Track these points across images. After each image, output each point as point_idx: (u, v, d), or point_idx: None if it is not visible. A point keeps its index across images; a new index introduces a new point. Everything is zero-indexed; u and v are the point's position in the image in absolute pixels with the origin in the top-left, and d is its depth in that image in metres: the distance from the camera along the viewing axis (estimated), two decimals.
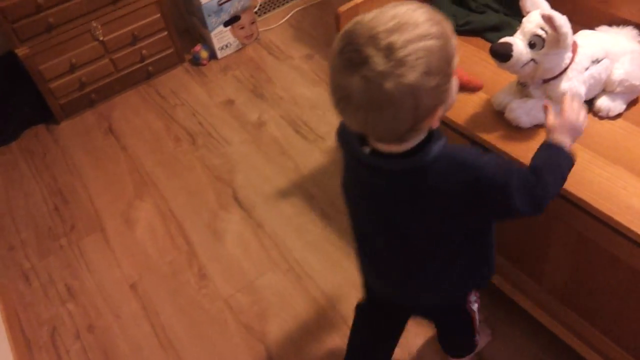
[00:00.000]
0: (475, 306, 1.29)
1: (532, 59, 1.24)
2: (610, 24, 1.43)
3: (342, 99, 0.81)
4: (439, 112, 0.85)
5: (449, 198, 0.91)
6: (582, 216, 1.19)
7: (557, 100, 1.29)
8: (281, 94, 2.50)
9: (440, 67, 0.79)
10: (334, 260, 1.84)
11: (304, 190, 2.09)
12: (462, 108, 1.35)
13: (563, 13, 1.54)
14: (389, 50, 0.76)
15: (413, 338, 1.60)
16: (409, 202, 0.95)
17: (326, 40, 2.70)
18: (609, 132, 1.30)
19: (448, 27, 0.82)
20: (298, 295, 1.77)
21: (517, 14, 1.61)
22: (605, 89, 1.33)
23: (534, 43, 1.23)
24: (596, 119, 1.34)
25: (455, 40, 0.83)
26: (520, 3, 1.30)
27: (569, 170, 1.06)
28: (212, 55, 2.75)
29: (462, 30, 1.64)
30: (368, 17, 0.80)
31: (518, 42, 1.24)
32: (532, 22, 1.24)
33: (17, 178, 2.35)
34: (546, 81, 1.30)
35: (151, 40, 2.60)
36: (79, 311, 1.84)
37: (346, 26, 0.82)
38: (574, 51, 1.27)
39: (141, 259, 1.96)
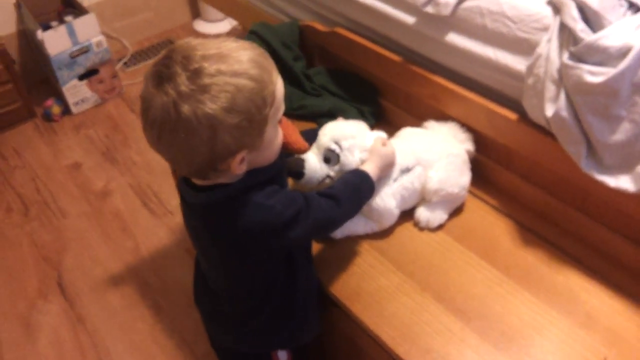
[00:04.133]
0: None
1: (328, 175, 1.09)
2: (437, 119, 1.30)
3: (143, 111, 0.78)
4: (241, 157, 0.80)
5: (232, 239, 0.88)
6: (380, 352, 1.02)
7: (368, 214, 1.14)
8: (135, 159, 2.27)
9: (247, 108, 0.76)
10: None
11: (140, 276, 1.85)
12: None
13: (398, 105, 1.43)
14: (196, 74, 0.73)
15: None
16: (204, 237, 0.93)
17: None
18: (426, 249, 1.15)
19: (271, 77, 0.80)
20: None
21: (355, 99, 1.48)
22: (424, 197, 1.18)
23: (329, 158, 1.08)
24: (416, 230, 1.19)
25: (278, 93, 0.82)
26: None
27: (368, 195, 1.07)
28: (66, 111, 2.49)
29: (297, 114, 1.48)
30: (198, 40, 0.78)
31: (311, 158, 1.09)
32: (326, 135, 1.09)
33: None
34: None
35: None
36: None
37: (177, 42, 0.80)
38: None
39: None
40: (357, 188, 1.03)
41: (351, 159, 1.08)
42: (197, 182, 0.88)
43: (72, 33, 2.32)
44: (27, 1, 2.47)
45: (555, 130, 1.04)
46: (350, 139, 1.08)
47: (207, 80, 0.73)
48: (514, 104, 1.16)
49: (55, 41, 2.29)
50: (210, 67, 0.73)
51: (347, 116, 1.42)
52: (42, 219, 2.06)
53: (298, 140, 1.03)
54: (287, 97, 1.47)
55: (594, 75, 0.96)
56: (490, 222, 1.20)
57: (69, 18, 2.40)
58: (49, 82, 2.61)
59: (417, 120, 1.35)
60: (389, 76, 1.39)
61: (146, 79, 0.77)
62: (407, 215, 1.20)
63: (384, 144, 1.10)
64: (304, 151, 1.04)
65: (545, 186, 1.18)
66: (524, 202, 1.23)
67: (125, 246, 1.95)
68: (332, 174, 1.09)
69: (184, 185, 0.90)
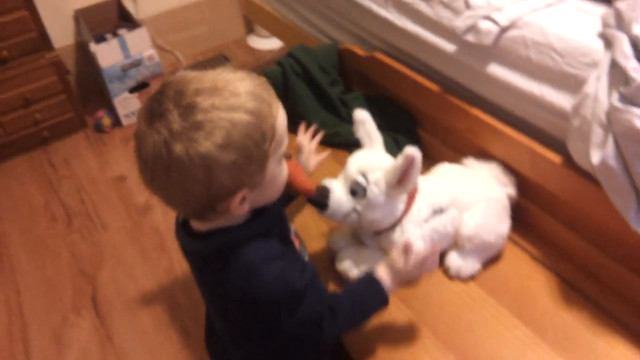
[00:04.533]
0: None
1: (354, 209, 1.00)
2: (477, 156, 1.20)
3: (136, 150, 0.73)
4: (240, 196, 0.74)
5: (224, 297, 0.82)
6: None
7: None
8: None
9: (244, 145, 0.70)
10: None
11: (172, 296, 1.83)
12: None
13: (436, 137, 1.34)
14: (189, 110, 0.68)
15: None
16: (205, 285, 0.87)
17: None
18: (454, 300, 1.06)
19: (271, 109, 0.73)
20: None
21: (392, 128, 1.40)
22: (457, 242, 1.09)
23: (355, 191, 1.00)
24: (445, 278, 1.09)
25: (279, 127, 0.75)
26: (354, 128, 1.08)
27: (376, 310, 0.93)
28: (117, 123, 2.53)
29: (330, 142, 1.42)
30: (194, 73, 0.73)
31: (337, 189, 1.01)
32: (353, 166, 1.01)
33: None
34: (378, 232, 1.06)
35: (46, 103, 2.38)
36: None
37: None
38: (411, 198, 1.04)
39: None
40: (363, 304, 0.92)
41: (377, 192, 0.99)
42: (196, 225, 0.82)
43: (124, 46, 2.35)
44: (86, 14, 2.53)
45: (601, 179, 0.92)
46: (377, 171, 1.00)
47: (200, 117, 0.68)
48: (559, 145, 1.05)
49: (107, 54, 2.33)
50: (203, 101, 0.68)
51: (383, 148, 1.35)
52: (83, 231, 2.08)
53: (305, 180, 0.95)
54: (322, 123, 1.43)
55: None
56: (528, 274, 1.09)
57: (122, 31, 2.44)
58: (103, 94, 2.67)
59: (457, 154, 1.25)
60: (427, 106, 1.30)
61: (139, 116, 0.72)
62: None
63: (407, 251, 0.92)
64: (309, 193, 0.96)
65: (591, 238, 1.06)
66: (567, 254, 1.11)
67: (161, 264, 1.93)
68: (358, 208, 1.01)
69: (182, 231, 0.84)
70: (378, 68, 1.39)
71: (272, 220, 0.82)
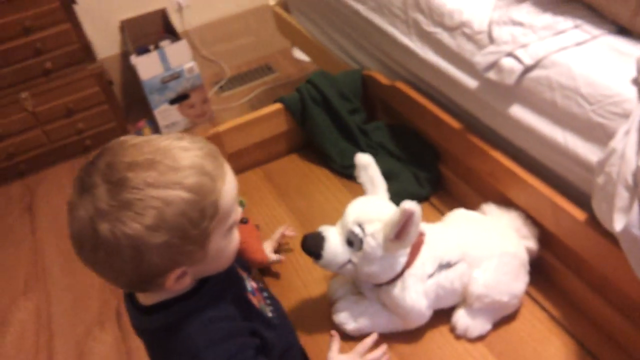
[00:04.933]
0: None
1: (350, 261, 0.94)
2: (499, 202, 1.10)
3: (68, 218, 0.66)
4: (177, 274, 0.68)
5: None
6: None
7: (393, 309, 0.98)
8: None
9: (178, 225, 0.64)
10: None
11: None
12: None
13: (458, 176, 1.24)
14: (118, 187, 0.63)
15: None
16: None
17: None
18: None
19: (215, 184, 0.67)
20: None
21: (413, 162, 1.32)
22: (465, 300, 1.00)
23: (352, 241, 0.93)
24: (451, 336, 1.01)
25: (224, 202, 0.68)
26: (356, 173, 1.01)
27: None
28: (156, 133, 2.55)
29: (347, 174, 1.35)
30: (136, 140, 0.68)
31: (332, 238, 0.95)
32: (351, 215, 0.94)
33: None
34: (377, 285, 0.99)
35: (89, 113, 2.43)
36: None
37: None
38: (415, 250, 0.96)
39: None
40: None
41: (374, 245, 0.92)
42: (141, 298, 0.76)
43: (164, 59, 2.36)
44: (131, 24, 2.56)
45: (624, 247, 0.82)
46: (376, 223, 0.92)
47: (129, 195, 0.62)
48: (586, 199, 0.94)
49: (147, 66, 2.34)
50: (135, 177, 0.63)
51: (400, 182, 1.28)
52: None
53: (257, 250, 0.86)
54: (340, 153, 1.37)
55: None
56: (545, 337, 0.99)
57: (164, 43, 2.45)
58: (145, 103, 2.70)
59: (479, 196, 1.16)
60: (448, 143, 1.21)
61: (73, 183, 0.67)
62: (444, 315, 1.03)
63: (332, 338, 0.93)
64: (263, 265, 0.88)
65: (617, 304, 0.95)
66: (590, 318, 1.00)
67: None
68: (354, 260, 0.94)
69: (129, 302, 0.78)
70: (399, 98, 1.31)
71: (219, 287, 0.77)
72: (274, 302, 0.93)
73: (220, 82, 2.83)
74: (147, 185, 0.63)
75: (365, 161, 0.99)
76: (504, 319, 1.02)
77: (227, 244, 0.73)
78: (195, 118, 2.58)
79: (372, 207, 0.95)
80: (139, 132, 2.53)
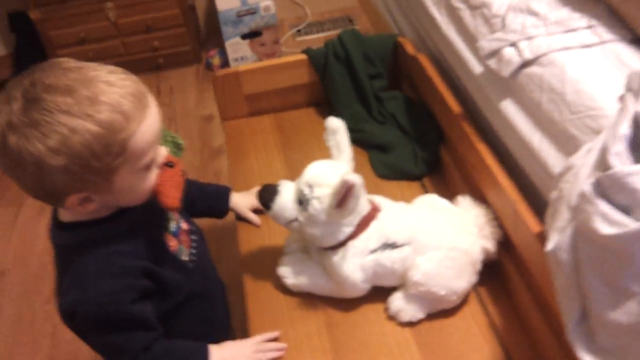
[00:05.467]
0: None
1: (297, 219, 0.95)
2: (478, 197, 1.06)
3: None
4: (77, 197, 0.73)
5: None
6: None
7: (331, 274, 0.99)
8: None
9: (80, 154, 0.67)
10: None
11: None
12: None
13: (454, 162, 1.19)
14: (32, 105, 0.66)
15: None
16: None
17: None
18: (378, 342, 0.97)
19: (129, 123, 0.70)
20: None
21: (418, 139, 1.28)
22: (404, 283, 0.98)
23: (301, 201, 0.94)
24: (383, 314, 1.00)
25: (134, 143, 0.71)
26: (324, 135, 1.01)
27: None
28: (225, 64, 2.62)
29: (353, 137, 1.33)
30: (70, 64, 0.71)
31: (285, 193, 0.96)
32: (305, 176, 0.95)
33: None
34: (322, 249, 0.99)
35: (165, 33, 2.54)
36: None
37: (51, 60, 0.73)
38: (364, 224, 0.96)
39: (24, 251, 1.93)
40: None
41: (319, 209, 0.92)
42: (61, 215, 0.81)
43: None
44: None
45: (551, 270, 0.76)
46: (325, 188, 0.92)
47: (38, 116, 0.66)
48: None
49: None
50: (50, 100, 0.66)
51: (396, 156, 1.25)
52: None
53: (170, 194, 0.87)
54: (351, 115, 1.35)
55: (607, 221, 0.67)
56: (476, 342, 0.95)
57: None
58: (220, 34, 2.77)
59: (466, 186, 1.12)
60: (447, 126, 1.16)
61: (3, 90, 0.71)
62: (386, 293, 1.01)
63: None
64: (172, 208, 0.89)
65: (555, 328, 0.89)
66: (527, 334, 0.95)
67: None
68: (301, 219, 0.95)
69: (53, 216, 0.83)
70: (418, 71, 1.27)
71: (132, 222, 0.80)
72: (201, 246, 0.96)
73: (300, 25, 2.83)
74: (59, 110, 0.66)
75: (335, 125, 0.98)
76: (442, 313, 0.99)
77: (138, 181, 0.76)
78: (264, 56, 2.62)
79: (327, 171, 0.94)
80: (209, 61, 2.61)
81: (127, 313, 0.79)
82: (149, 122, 0.73)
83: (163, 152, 0.79)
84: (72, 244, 0.79)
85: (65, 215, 0.80)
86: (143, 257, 0.82)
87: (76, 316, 0.78)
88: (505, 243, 1.00)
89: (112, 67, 0.73)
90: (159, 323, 0.85)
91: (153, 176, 0.78)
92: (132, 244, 0.81)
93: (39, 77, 0.68)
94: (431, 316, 0.99)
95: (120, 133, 0.69)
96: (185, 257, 0.91)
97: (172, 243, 0.89)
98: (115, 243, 0.79)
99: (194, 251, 0.94)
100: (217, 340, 0.94)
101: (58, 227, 0.81)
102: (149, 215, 0.84)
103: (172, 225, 0.91)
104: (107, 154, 0.69)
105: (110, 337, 0.80)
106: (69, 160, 0.67)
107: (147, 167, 0.76)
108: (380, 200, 1.01)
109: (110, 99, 0.68)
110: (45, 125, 0.66)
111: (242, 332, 1.04)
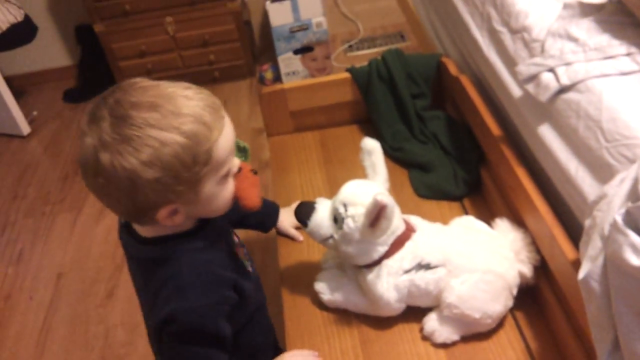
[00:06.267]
0: None
1: (332, 236, 0.98)
2: (517, 220, 1.06)
3: (79, 144, 0.75)
4: (168, 210, 0.76)
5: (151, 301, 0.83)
6: None
7: (366, 291, 1.01)
8: None
9: (171, 165, 0.71)
10: None
11: None
12: None
13: (495, 185, 1.19)
14: (121, 122, 0.70)
15: None
16: (143, 289, 0.88)
17: None
18: None
19: (211, 134, 0.73)
20: None
21: (459, 160, 1.28)
22: (439, 305, 0.99)
23: (336, 219, 0.97)
24: (418, 335, 1.02)
25: (217, 152, 0.75)
26: (360, 156, 1.03)
27: None
28: (277, 78, 2.68)
29: (393, 156, 1.35)
30: (146, 83, 0.75)
31: (322, 210, 1.00)
32: (341, 194, 0.97)
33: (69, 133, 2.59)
34: (357, 266, 1.02)
35: (221, 47, 2.64)
36: (9, 279, 2.00)
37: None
38: (399, 244, 0.98)
39: (81, 255, 2.04)
40: None
41: (353, 228, 0.94)
42: (140, 230, 0.84)
43: (295, 9, 2.46)
44: None
45: (584, 299, 0.76)
46: (359, 207, 0.94)
47: (129, 131, 0.69)
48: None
49: (279, 14, 2.46)
50: (137, 116, 0.70)
51: (436, 176, 1.27)
52: None
53: (250, 196, 0.90)
54: (393, 135, 1.38)
55: (637, 252, 0.66)
56: None
57: None
58: (274, 49, 2.84)
59: (506, 209, 1.12)
60: (487, 147, 1.16)
61: (85, 113, 0.74)
62: (421, 313, 1.02)
63: None
64: (253, 210, 0.92)
65: (590, 355, 0.88)
66: None
67: None
68: (336, 237, 0.98)
69: (125, 233, 0.86)
70: (460, 92, 1.27)
71: (216, 232, 0.84)
72: (250, 259, 1.00)
73: (352, 40, 2.87)
74: (148, 125, 0.69)
75: (371, 146, 1.00)
76: (477, 336, 0.99)
77: (220, 190, 0.80)
78: (315, 71, 2.67)
79: (362, 191, 0.96)
80: (262, 75, 2.68)
81: (217, 329, 0.81)
82: (227, 131, 0.77)
83: (237, 161, 0.82)
84: (158, 256, 0.82)
85: (146, 231, 0.83)
86: (228, 268, 0.85)
87: (176, 323, 0.79)
88: (543, 268, 1.00)
89: (185, 84, 0.77)
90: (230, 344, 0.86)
91: (231, 184, 0.82)
92: (218, 255, 0.84)
93: (121, 96, 0.72)
94: (466, 339, 0.99)
95: (205, 143, 0.73)
96: (250, 268, 0.95)
97: (240, 254, 0.94)
98: (204, 254, 0.82)
99: (250, 262, 0.98)
100: (275, 351, 0.97)
101: (141, 243, 0.84)
102: (223, 227, 0.88)
103: (234, 238, 0.96)
104: (195, 163, 0.73)
105: (190, 349, 0.81)
106: (161, 173, 0.71)
107: (227, 175, 0.79)
108: (415, 220, 1.03)
109: (192, 112, 0.72)
110: (137, 140, 0.69)
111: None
